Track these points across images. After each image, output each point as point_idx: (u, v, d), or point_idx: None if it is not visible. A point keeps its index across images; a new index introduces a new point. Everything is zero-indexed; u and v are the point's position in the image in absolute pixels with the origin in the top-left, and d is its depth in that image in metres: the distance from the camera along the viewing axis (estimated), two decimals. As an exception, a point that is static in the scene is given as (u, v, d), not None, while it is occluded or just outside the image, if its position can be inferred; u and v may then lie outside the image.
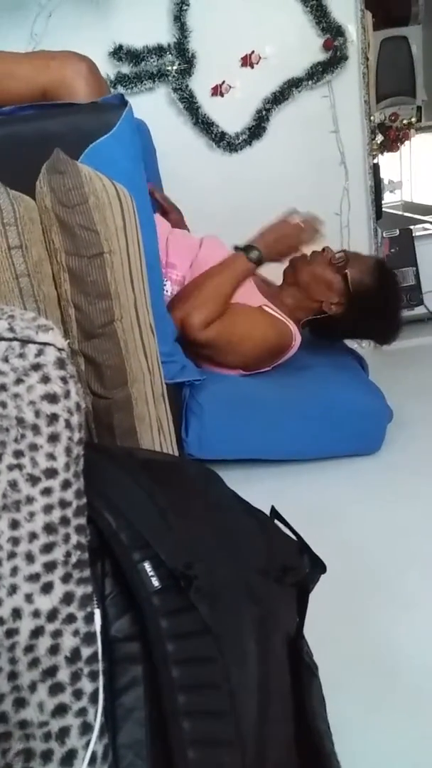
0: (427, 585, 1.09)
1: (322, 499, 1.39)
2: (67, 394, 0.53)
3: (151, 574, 0.55)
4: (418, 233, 2.56)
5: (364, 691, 0.90)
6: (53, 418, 0.52)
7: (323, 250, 1.69)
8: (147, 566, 0.55)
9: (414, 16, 3.85)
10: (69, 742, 0.46)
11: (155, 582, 0.54)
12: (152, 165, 1.87)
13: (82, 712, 0.47)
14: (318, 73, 2.11)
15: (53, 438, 0.51)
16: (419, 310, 2.47)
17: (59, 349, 0.54)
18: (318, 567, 0.68)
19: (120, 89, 2.03)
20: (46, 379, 0.52)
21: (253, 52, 2.09)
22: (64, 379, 0.53)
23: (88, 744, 0.47)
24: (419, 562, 1.16)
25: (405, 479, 1.44)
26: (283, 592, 0.64)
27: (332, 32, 2.08)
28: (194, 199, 2.11)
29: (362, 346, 2.22)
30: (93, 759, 0.47)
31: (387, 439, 1.56)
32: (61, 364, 0.53)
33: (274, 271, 1.82)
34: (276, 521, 0.72)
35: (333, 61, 2.11)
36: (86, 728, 0.47)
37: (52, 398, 0.52)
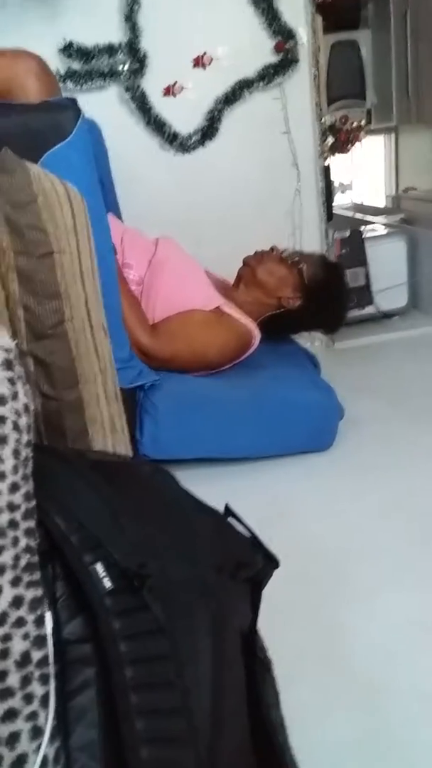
0: (380, 577, 1.12)
1: (276, 495, 1.40)
2: (14, 396, 0.52)
3: (102, 575, 0.54)
4: (367, 234, 2.61)
5: (320, 683, 0.92)
6: (0, 420, 0.51)
7: (271, 249, 1.75)
8: (99, 567, 0.55)
9: (363, 20, 3.93)
10: (19, 746, 0.46)
11: (107, 583, 0.54)
12: (104, 166, 1.86)
13: (32, 716, 0.47)
14: (269, 74, 2.13)
15: (0, 440, 0.51)
16: (369, 309, 2.52)
17: (6, 350, 0.53)
18: (271, 562, 0.68)
19: (70, 85, 2.00)
20: (-8, 381, 0.51)
21: (205, 53, 2.09)
22: (11, 381, 0.52)
23: (39, 748, 0.46)
24: (372, 555, 1.18)
25: (357, 474, 1.47)
26: (237, 588, 0.65)
27: (283, 35, 2.10)
28: (147, 199, 2.11)
29: (314, 345, 2.25)
30: (44, 763, 0.46)
31: (339, 435, 1.59)
32: (8, 365, 0.52)
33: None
34: (230, 518, 0.73)
35: (284, 63, 2.13)
36: (37, 732, 0.46)
37: (-1, 400, 0.51)
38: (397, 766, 0.81)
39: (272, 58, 2.13)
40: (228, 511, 0.75)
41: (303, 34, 2.12)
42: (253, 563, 0.68)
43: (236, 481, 1.47)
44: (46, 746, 0.46)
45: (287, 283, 1.71)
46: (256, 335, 1.65)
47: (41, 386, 1.00)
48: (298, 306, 1.72)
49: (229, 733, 0.57)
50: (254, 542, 0.70)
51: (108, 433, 1.10)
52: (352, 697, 0.90)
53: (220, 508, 0.74)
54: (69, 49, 1.99)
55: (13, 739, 0.46)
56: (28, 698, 0.47)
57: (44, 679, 0.48)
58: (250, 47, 2.11)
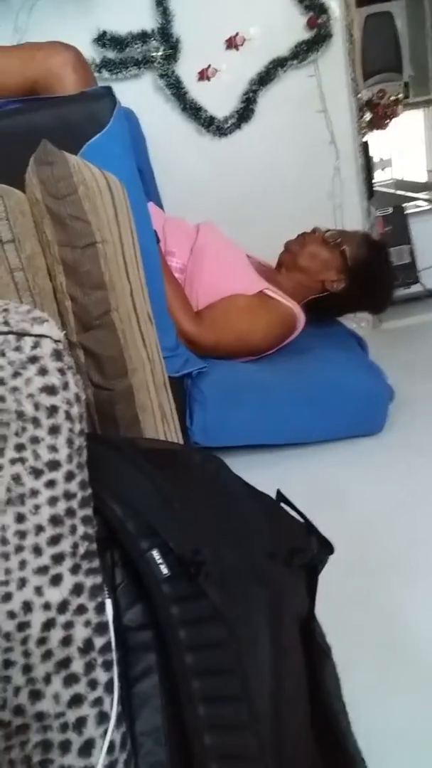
0: (435, 561, 1.10)
1: (328, 480, 1.39)
2: (65, 386, 0.53)
3: (159, 561, 0.54)
4: (410, 211, 2.54)
5: (378, 669, 0.91)
6: (53, 410, 0.51)
7: (313, 230, 1.71)
8: (155, 554, 0.55)
9: (398, -10, 3.81)
10: (86, 731, 0.46)
11: (164, 569, 0.54)
12: (143, 153, 1.86)
13: (97, 701, 0.47)
14: (303, 52, 2.08)
15: (54, 430, 0.51)
16: (416, 288, 2.46)
17: (55, 341, 0.53)
18: (326, 548, 0.67)
19: (105, 74, 2.01)
20: (43, 371, 0.51)
21: (237, 33, 2.06)
22: (61, 371, 0.52)
23: (105, 733, 0.47)
24: (426, 539, 1.16)
25: (408, 458, 1.44)
26: (291, 575, 0.64)
27: (315, 10, 2.05)
28: (185, 184, 2.10)
29: (361, 326, 2.21)
30: (111, 748, 0.47)
31: (389, 418, 1.56)
32: (57, 355, 0.53)
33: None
34: (282, 504, 0.72)
35: (317, 39, 2.08)
36: (103, 717, 0.47)
37: (50, 390, 0.51)
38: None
39: (305, 35, 2.08)
40: (280, 496, 0.74)
41: (335, 8, 2.07)
42: (308, 549, 0.67)
43: (286, 466, 1.45)
44: (112, 731, 0.46)
45: (330, 266, 1.68)
46: (301, 318, 1.63)
47: (92, 376, 1.00)
48: (342, 288, 1.68)
49: (290, 720, 0.56)
50: (308, 528, 0.69)
51: (158, 421, 1.10)
52: (413, 683, 0.88)
53: (272, 495, 0.73)
54: (103, 39, 1.99)
55: (80, 724, 0.46)
56: (93, 684, 0.47)
57: (107, 666, 0.49)
58: (282, 25, 2.07)
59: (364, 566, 1.09)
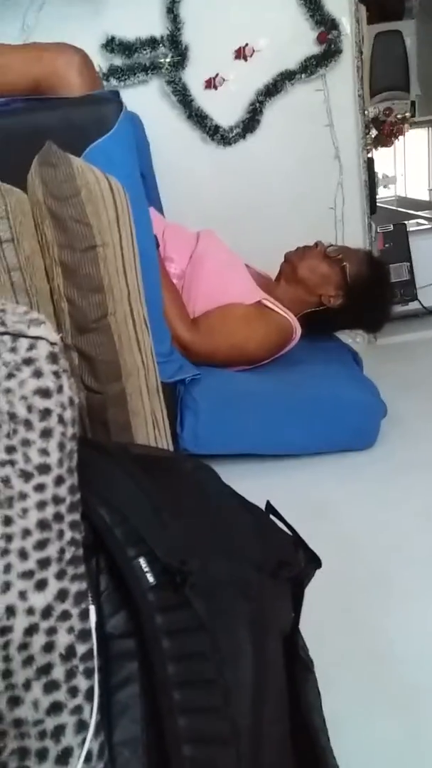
0: (422, 578, 1.10)
1: (317, 494, 1.39)
2: (59, 389, 0.52)
3: (146, 570, 0.54)
4: (411, 228, 2.56)
5: (360, 685, 0.90)
6: (46, 413, 0.51)
7: (315, 244, 1.71)
8: (142, 562, 0.55)
9: (408, 10, 3.84)
10: (64, 740, 0.46)
11: (150, 578, 0.54)
12: (146, 159, 1.86)
13: (77, 709, 0.47)
14: (312, 66, 2.09)
15: (46, 433, 0.51)
16: (413, 305, 2.47)
17: (51, 344, 0.53)
18: (313, 562, 0.67)
19: (113, 82, 2.01)
20: (38, 374, 0.51)
21: (246, 44, 2.07)
22: (56, 374, 0.52)
23: (83, 742, 0.46)
24: (414, 556, 1.16)
25: (399, 474, 1.44)
26: (278, 588, 0.64)
27: (326, 25, 2.06)
28: (188, 192, 2.11)
29: (356, 341, 2.22)
30: (89, 757, 0.46)
31: (381, 433, 1.56)
32: (53, 358, 0.52)
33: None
34: (271, 516, 0.72)
35: (327, 54, 2.09)
36: (82, 726, 0.47)
37: (44, 393, 0.51)
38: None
39: (315, 49, 2.10)
40: (270, 508, 0.74)
41: (346, 25, 2.08)
42: (295, 562, 0.67)
43: (276, 478, 1.45)
44: (90, 740, 0.46)
45: (329, 281, 1.68)
46: (297, 329, 1.63)
47: (85, 379, 1.00)
48: (339, 304, 1.68)
49: (270, 734, 0.56)
50: (296, 541, 0.69)
51: (150, 427, 1.10)
52: (394, 700, 0.88)
53: (262, 505, 0.73)
54: (111, 44, 2.00)
55: (58, 731, 0.46)
56: (73, 692, 0.47)
57: (88, 673, 0.48)
58: (293, 38, 2.08)
59: (351, 581, 1.09)
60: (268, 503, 0.74)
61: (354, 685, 0.90)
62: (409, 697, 0.88)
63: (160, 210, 1.88)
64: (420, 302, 2.47)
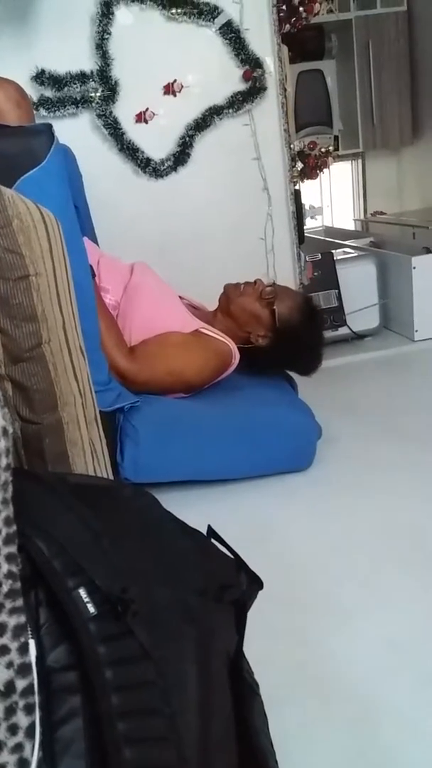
0: (362, 597, 1.12)
1: (257, 516, 1.40)
2: (-6, 419, 0.52)
3: (86, 600, 0.53)
4: (339, 257, 2.66)
5: (306, 706, 0.91)
6: (-20, 443, 0.50)
7: (255, 282, 1.73)
8: (82, 593, 0.54)
9: (328, 51, 4.05)
10: (4, 781, 0.44)
11: (91, 608, 0.53)
12: (79, 190, 1.86)
13: (18, 747, 0.45)
14: (238, 101, 2.17)
15: (-19, 464, 0.50)
16: (342, 331, 2.55)
17: (-15, 373, 0.52)
18: (255, 583, 0.68)
19: (42, 112, 2.02)
20: (-28, 404, 0.50)
21: (175, 80, 2.13)
22: (-10, 403, 0.52)
23: (24, 782, 0.45)
24: (353, 575, 1.18)
25: (336, 494, 1.47)
26: (221, 611, 0.64)
27: (251, 64, 2.15)
28: (122, 224, 2.12)
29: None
30: (31, 797, 0.45)
31: (317, 455, 1.60)
32: (-13, 387, 0.52)
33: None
34: (212, 540, 0.72)
35: (252, 91, 2.17)
36: (23, 764, 0.45)
37: (-22, 423, 0.50)
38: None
39: (241, 86, 2.18)
40: (211, 532, 0.74)
41: (270, 63, 2.17)
42: (238, 585, 0.67)
43: (217, 502, 1.46)
44: (32, 779, 0.45)
45: (259, 321, 1.68)
46: (236, 354, 1.65)
47: (20, 410, 0.98)
48: (266, 345, 1.70)
49: (218, 758, 0.56)
50: (237, 563, 0.70)
51: (88, 456, 1.09)
52: (342, 720, 0.89)
53: (203, 530, 0.74)
54: (41, 77, 2.01)
55: (-3, 773, 0.44)
56: (13, 729, 0.45)
57: (29, 709, 0.47)
58: (220, 75, 2.16)
59: (293, 601, 1.10)
60: (209, 527, 0.74)
61: (300, 706, 0.90)
62: (355, 716, 0.89)
63: (94, 240, 1.89)
64: (349, 327, 2.56)
